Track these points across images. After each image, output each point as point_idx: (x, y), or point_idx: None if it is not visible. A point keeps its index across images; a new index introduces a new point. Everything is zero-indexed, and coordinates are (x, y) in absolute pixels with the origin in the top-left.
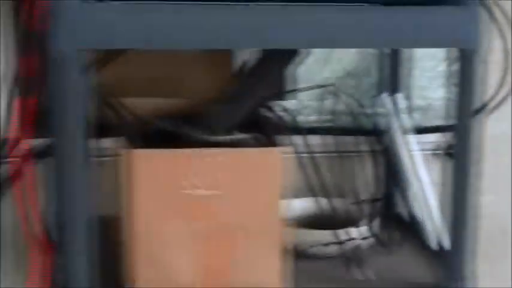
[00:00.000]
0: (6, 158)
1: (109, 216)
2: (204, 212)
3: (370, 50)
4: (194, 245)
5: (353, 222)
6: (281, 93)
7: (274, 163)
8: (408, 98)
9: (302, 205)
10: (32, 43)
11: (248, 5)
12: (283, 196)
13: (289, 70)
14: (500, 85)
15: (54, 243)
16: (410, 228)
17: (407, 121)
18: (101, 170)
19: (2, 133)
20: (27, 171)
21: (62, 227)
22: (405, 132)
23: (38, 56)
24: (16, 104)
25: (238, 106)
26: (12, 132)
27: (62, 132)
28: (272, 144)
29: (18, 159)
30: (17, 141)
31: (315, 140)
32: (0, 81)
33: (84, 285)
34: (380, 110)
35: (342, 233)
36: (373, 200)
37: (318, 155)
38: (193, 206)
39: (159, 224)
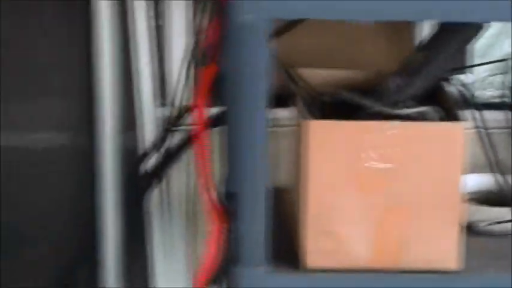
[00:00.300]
0: (182, 125)
1: (283, 187)
2: (380, 186)
3: None
4: (367, 219)
5: None
6: (460, 68)
7: (456, 138)
8: None
9: (477, 181)
10: (213, 11)
11: None
12: (463, 172)
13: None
14: None
15: (229, 212)
16: None
17: None
18: (277, 141)
19: (179, 101)
20: (203, 139)
21: (239, 197)
22: None
23: (218, 24)
24: (194, 72)
25: (418, 79)
26: (190, 100)
27: (244, 100)
28: (452, 118)
29: (194, 127)
30: (193, 109)
31: (492, 115)
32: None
33: (260, 256)
34: None
35: None
36: None
37: (494, 130)
38: (369, 179)
39: (332, 196)
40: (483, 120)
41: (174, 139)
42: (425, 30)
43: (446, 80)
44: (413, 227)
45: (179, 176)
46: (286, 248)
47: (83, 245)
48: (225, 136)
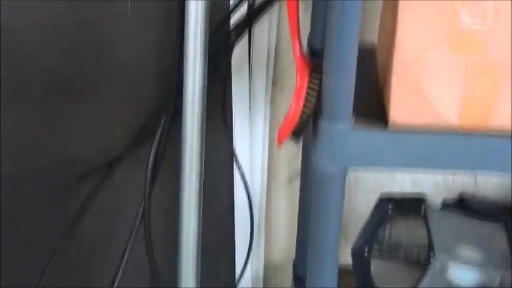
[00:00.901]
0: None
1: (370, 44)
2: (472, 45)
3: None
4: (456, 77)
5: None
6: None
7: None
8: None
9: None
10: None
11: None
12: None
13: None
14: None
15: (316, 66)
16: None
17: None
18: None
19: None
20: None
21: (327, 52)
22: None
23: None
24: None
25: None
26: None
27: None
28: None
29: None
30: None
31: None
32: None
33: (345, 112)
34: None
35: None
36: None
37: None
38: (461, 37)
39: (421, 53)
40: None
41: None
42: None
43: None
44: (503, 88)
45: (266, 29)
46: (372, 106)
47: (166, 96)
48: None
